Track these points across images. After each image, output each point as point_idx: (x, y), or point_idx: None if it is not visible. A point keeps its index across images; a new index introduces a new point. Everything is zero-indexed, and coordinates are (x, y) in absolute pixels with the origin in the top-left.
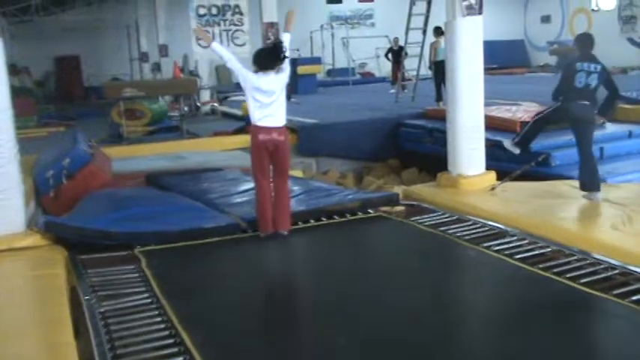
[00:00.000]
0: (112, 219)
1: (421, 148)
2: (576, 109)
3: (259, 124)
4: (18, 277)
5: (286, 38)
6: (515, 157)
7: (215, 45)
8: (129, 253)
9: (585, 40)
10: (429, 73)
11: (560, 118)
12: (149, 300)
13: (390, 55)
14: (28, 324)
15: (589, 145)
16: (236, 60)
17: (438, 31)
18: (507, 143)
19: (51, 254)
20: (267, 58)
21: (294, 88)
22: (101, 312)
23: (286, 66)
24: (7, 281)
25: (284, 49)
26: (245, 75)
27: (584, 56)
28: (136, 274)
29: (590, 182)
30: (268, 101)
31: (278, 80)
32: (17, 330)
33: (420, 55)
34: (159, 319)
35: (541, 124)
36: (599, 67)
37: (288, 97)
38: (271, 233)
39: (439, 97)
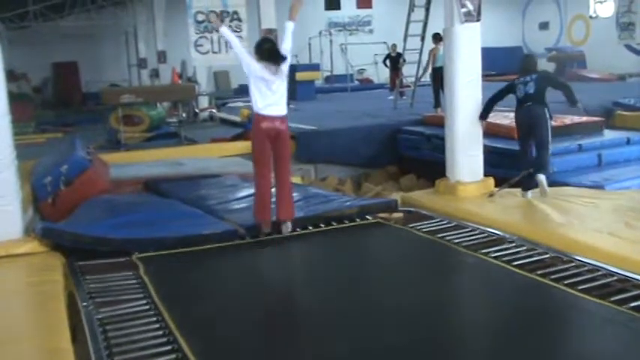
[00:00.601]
0: (109, 225)
1: (419, 154)
2: (523, 111)
3: (262, 112)
4: (15, 283)
5: (289, 27)
6: (513, 163)
7: (224, 30)
8: (127, 260)
9: (526, 61)
10: (427, 79)
11: (521, 127)
12: (147, 307)
13: (387, 62)
14: (25, 330)
15: (547, 138)
16: (241, 47)
17: (437, 38)
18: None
19: (49, 260)
20: (269, 54)
21: (293, 94)
22: (99, 318)
23: (288, 52)
24: (5, 287)
25: (282, 54)
26: (249, 63)
27: (522, 73)
28: (134, 281)
29: (538, 168)
30: (271, 90)
31: (280, 70)
32: (14, 336)
33: (419, 62)
34: (157, 325)
35: (522, 142)
36: (534, 76)
37: (287, 104)
38: (271, 224)
39: (437, 103)
